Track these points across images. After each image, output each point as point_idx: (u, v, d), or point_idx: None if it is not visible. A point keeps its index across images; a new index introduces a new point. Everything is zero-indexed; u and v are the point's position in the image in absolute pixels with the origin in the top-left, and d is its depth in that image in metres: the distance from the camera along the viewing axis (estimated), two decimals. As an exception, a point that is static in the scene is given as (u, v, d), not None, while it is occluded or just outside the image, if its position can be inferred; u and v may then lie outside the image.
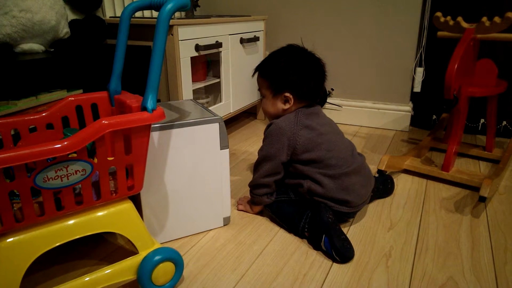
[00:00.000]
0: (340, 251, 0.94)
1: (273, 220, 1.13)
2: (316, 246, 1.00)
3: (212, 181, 1.04)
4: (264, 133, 1.10)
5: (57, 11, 1.26)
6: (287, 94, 1.06)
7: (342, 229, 1.02)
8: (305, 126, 1.05)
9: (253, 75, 1.15)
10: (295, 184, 1.09)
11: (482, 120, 1.85)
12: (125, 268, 0.81)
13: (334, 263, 0.95)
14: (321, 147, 1.04)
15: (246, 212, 1.17)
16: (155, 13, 1.83)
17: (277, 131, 1.05)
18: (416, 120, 1.99)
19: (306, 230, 1.03)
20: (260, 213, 1.17)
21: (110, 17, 1.63)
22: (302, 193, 1.07)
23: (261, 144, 1.11)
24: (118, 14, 1.67)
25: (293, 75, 1.05)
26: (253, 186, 1.12)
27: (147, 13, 1.84)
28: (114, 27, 1.49)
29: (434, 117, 1.95)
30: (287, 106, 1.08)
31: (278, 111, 1.09)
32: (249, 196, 1.16)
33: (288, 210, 1.09)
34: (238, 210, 1.18)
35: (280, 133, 1.05)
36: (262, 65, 1.11)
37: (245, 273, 0.92)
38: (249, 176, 1.43)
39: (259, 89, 1.14)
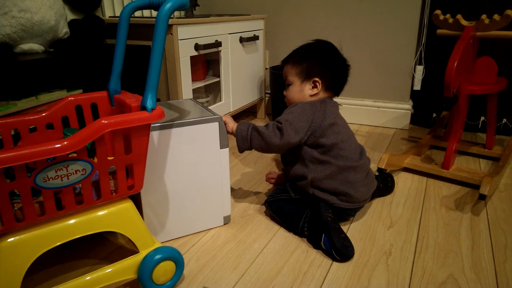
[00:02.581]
0: (340, 250, 0.94)
1: (274, 219, 1.13)
2: (316, 245, 1.00)
3: (212, 180, 1.04)
4: (285, 111, 1.08)
5: (56, 11, 1.26)
6: (316, 79, 1.09)
7: (342, 227, 1.03)
8: (330, 112, 1.07)
9: (281, 65, 1.18)
10: (298, 176, 1.08)
11: (482, 118, 1.85)
12: (126, 267, 0.81)
13: (334, 262, 0.95)
14: (337, 136, 1.06)
15: (225, 123, 1.05)
16: (154, 13, 1.83)
17: (302, 108, 1.06)
18: (416, 118, 1.99)
19: (305, 229, 1.03)
20: (261, 212, 1.17)
21: (109, 16, 1.63)
22: (305, 187, 1.07)
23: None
24: (118, 13, 1.67)
25: (324, 61, 1.09)
26: (256, 133, 1.04)
27: (146, 12, 1.84)
28: (113, 27, 1.49)
29: (434, 115, 1.95)
30: (314, 91, 1.10)
31: (304, 98, 1.11)
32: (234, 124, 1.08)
33: (288, 209, 1.09)
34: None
35: (305, 111, 1.05)
36: (292, 54, 1.14)
37: (246, 271, 0.92)
38: (249, 175, 1.43)
39: (285, 79, 1.16)
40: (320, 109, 1.06)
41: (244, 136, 1.05)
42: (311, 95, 1.10)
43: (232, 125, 1.07)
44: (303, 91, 1.11)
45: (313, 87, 1.10)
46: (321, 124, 1.05)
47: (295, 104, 1.08)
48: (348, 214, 1.10)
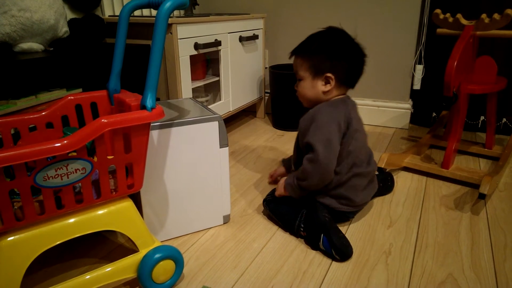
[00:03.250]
0: (340, 249, 0.93)
1: (271, 218, 1.13)
2: (314, 246, 1.00)
3: (212, 179, 1.04)
4: (308, 121, 1.03)
5: (56, 10, 1.26)
6: (329, 75, 1.01)
7: (342, 227, 1.03)
8: (353, 117, 1.02)
9: (290, 57, 1.10)
10: None
11: (482, 117, 1.85)
12: (126, 266, 0.81)
13: (334, 261, 0.95)
14: (356, 143, 1.03)
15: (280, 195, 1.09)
16: (154, 12, 1.82)
17: (329, 116, 1.00)
18: (416, 118, 1.99)
19: (301, 229, 1.02)
20: (260, 211, 1.17)
21: (109, 16, 1.63)
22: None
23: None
24: (117, 13, 1.67)
25: (336, 54, 1.01)
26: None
27: (146, 11, 1.84)
28: (113, 26, 1.49)
29: (434, 114, 1.95)
30: (327, 87, 1.03)
31: (317, 94, 1.04)
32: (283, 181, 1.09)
33: (285, 208, 1.08)
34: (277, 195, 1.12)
35: (334, 119, 0.99)
36: (302, 46, 1.06)
37: (245, 270, 0.92)
38: (248, 174, 1.43)
39: (295, 73, 1.08)
40: (345, 112, 1.01)
41: (294, 188, 1.05)
42: (324, 92, 1.04)
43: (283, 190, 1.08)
44: (315, 87, 1.04)
45: (325, 83, 1.03)
46: (346, 132, 1.01)
47: (318, 113, 1.01)
48: (347, 216, 1.10)
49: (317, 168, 0.98)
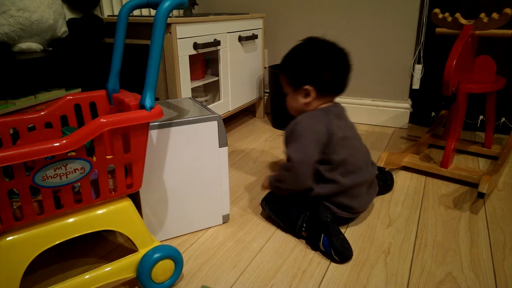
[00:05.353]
0: (339, 251, 0.93)
1: (270, 220, 1.13)
2: (314, 246, 1.00)
3: (211, 179, 1.04)
4: (288, 132, 1.04)
5: (55, 10, 1.25)
6: (307, 87, 1.03)
7: (341, 226, 1.03)
8: (338, 126, 1.01)
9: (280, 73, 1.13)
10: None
11: (481, 117, 1.85)
12: (125, 266, 0.81)
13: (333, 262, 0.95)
14: (348, 151, 1.02)
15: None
16: (153, 12, 1.82)
17: (307, 128, 1.00)
18: (415, 117, 1.99)
19: (303, 229, 1.02)
20: (260, 211, 1.17)
21: (108, 15, 1.63)
22: (308, 196, 1.05)
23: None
24: (116, 12, 1.67)
25: (310, 66, 1.02)
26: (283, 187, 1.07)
27: (145, 11, 1.84)
28: (112, 26, 1.49)
29: (433, 114, 1.95)
30: (308, 99, 1.04)
31: (300, 106, 1.07)
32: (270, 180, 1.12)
33: (286, 208, 1.08)
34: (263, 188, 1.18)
35: (311, 130, 1.00)
36: (282, 61, 1.10)
37: (244, 270, 0.92)
38: (248, 174, 1.43)
39: (282, 88, 1.12)
40: (327, 122, 1.01)
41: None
42: (306, 103, 1.05)
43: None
44: (297, 100, 1.06)
45: (305, 96, 1.04)
46: (329, 142, 1.00)
47: (297, 124, 1.01)
48: (347, 221, 1.09)
49: (292, 175, 1.01)
